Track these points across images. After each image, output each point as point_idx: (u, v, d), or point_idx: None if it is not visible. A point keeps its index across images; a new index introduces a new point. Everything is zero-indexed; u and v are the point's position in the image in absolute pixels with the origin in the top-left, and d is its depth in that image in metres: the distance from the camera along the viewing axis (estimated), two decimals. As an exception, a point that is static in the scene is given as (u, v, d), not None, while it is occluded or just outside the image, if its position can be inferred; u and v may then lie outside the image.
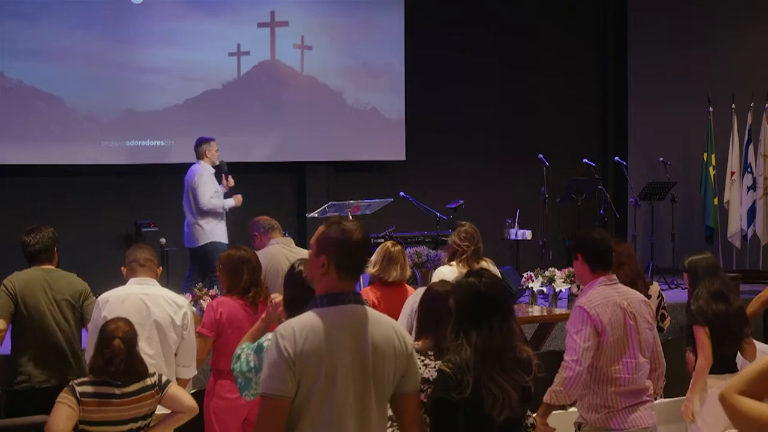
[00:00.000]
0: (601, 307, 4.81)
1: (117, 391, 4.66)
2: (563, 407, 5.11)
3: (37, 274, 6.00)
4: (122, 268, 5.72)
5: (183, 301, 5.67)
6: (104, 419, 4.63)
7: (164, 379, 4.86)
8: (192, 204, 9.56)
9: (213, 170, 9.70)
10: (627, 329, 4.84)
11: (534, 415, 4.47)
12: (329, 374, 3.36)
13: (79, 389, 4.64)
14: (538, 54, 13.50)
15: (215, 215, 9.56)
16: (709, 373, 5.68)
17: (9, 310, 5.88)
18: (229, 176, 9.92)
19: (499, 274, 6.52)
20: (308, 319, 3.42)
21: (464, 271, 6.20)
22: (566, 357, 4.80)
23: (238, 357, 4.15)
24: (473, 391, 3.57)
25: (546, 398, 4.85)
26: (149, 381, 4.77)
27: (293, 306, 4.02)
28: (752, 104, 12.73)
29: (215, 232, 9.59)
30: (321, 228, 3.54)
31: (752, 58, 13.21)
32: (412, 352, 3.54)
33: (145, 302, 5.46)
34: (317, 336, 3.37)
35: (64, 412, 4.60)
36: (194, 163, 9.71)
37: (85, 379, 4.75)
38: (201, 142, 9.75)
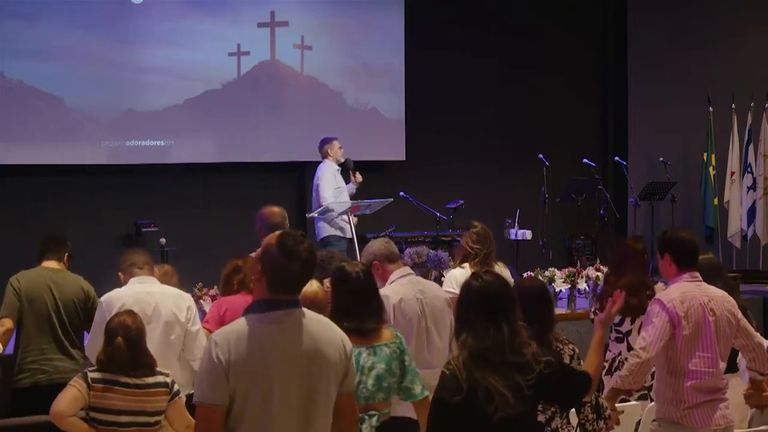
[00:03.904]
0: (677, 300, 4.91)
1: (128, 380, 4.70)
2: (629, 393, 5.21)
3: (44, 273, 6.01)
4: (119, 273, 5.72)
5: (186, 296, 5.68)
6: (110, 406, 4.66)
7: (176, 387, 4.86)
8: (315, 200, 10.00)
9: (337, 168, 10.20)
10: (704, 324, 4.90)
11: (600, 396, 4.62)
12: (266, 380, 3.34)
13: (90, 375, 4.72)
14: (538, 54, 13.48)
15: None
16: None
17: (16, 309, 5.89)
18: (357, 172, 10.43)
19: (510, 277, 6.42)
20: (243, 325, 3.40)
21: None
22: (636, 346, 4.91)
23: None
24: (468, 391, 3.57)
25: (613, 383, 4.98)
26: (161, 378, 4.78)
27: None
28: (752, 104, 12.74)
29: (332, 227, 9.97)
30: (272, 238, 3.50)
31: (752, 58, 13.21)
32: (351, 354, 3.56)
33: (149, 300, 5.46)
34: (251, 343, 3.35)
35: (69, 394, 4.70)
36: (321, 162, 10.20)
37: (96, 367, 4.80)
38: (323, 142, 10.30)
